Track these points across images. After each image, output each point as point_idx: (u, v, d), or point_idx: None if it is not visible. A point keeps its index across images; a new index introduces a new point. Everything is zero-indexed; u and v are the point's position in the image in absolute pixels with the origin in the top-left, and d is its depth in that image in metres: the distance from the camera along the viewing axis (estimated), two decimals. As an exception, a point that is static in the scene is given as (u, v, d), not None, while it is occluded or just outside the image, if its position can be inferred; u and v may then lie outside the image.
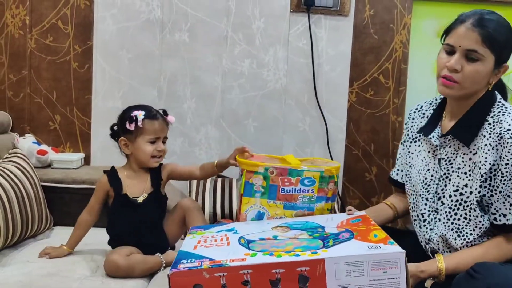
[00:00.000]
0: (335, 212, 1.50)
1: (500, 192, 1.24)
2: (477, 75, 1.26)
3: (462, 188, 1.29)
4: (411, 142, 1.49)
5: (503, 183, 1.23)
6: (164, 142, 1.60)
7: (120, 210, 1.56)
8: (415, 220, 1.44)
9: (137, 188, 1.58)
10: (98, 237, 1.62)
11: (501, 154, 1.22)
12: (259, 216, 1.39)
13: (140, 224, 1.55)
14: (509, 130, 1.22)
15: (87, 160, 2.19)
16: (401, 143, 1.55)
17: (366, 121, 2.22)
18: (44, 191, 1.91)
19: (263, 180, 1.39)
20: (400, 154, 1.56)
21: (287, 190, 1.39)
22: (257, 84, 2.15)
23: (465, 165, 1.30)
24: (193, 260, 1.05)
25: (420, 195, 1.40)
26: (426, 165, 1.40)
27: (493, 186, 1.25)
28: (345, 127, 2.20)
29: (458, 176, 1.31)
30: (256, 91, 2.15)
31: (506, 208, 1.24)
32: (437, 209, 1.36)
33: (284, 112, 2.17)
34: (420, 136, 1.46)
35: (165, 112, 1.63)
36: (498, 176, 1.23)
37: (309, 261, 1.00)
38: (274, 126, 2.18)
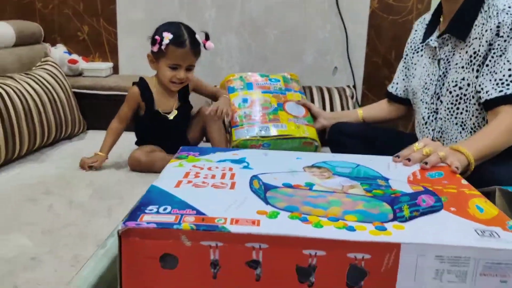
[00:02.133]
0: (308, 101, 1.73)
1: (487, 65, 1.23)
2: None
3: (460, 82, 1.31)
4: (413, 53, 1.54)
5: (493, 58, 1.22)
6: (189, 70, 1.57)
7: (150, 124, 1.62)
8: (417, 127, 1.51)
9: (167, 103, 1.62)
10: (125, 138, 1.71)
11: (498, 31, 1.21)
12: (245, 101, 1.64)
13: (169, 137, 1.62)
14: (504, 9, 1.21)
15: (115, 70, 2.29)
16: (403, 59, 1.61)
17: (388, 28, 2.20)
18: (76, 97, 2.05)
19: (240, 81, 1.71)
20: (399, 69, 1.64)
21: (261, 83, 1.69)
22: (278, -9, 2.13)
23: (462, 59, 1.31)
24: (168, 209, 0.60)
25: (420, 100, 1.45)
26: (426, 70, 1.44)
27: (486, 65, 1.23)
28: (366, 35, 2.19)
29: (456, 71, 1.32)
30: (276, -1, 2.15)
31: (491, 84, 1.21)
32: (436, 109, 1.40)
33: (304, 20, 2.17)
34: (422, 46, 1.49)
35: (207, 36, 1.59)
36: (491, 53, 1.23)
37: (373, 244, 0.54)
38: (294, 34, 2.19)
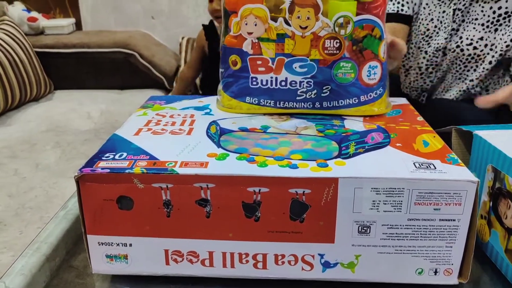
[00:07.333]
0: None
1: None
2: None
3: (477, 42, 1.21)
4: None
5: None
6: None
7: (214, 65, 1.53)
8: (407, 70, 1.40)
9: None
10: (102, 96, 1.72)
11: None
12: None
13: None
14: None
15: (78, 26, 2.24)
16: None
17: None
18: (39, 57, 2.01)
19: None
20: None
21: None
22: None
23: (484, 15, 1.19)
24: (124, 155, 0.63)
25: (419, 47, 1.34)
26: (429, 14, 1.29)
27: None
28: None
29: (474, 28, 1.21)
30: None
31: None
32: (437, 62, 1.31)
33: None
34: None
35: None
36: None
37: (312, 180, 0.57)
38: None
